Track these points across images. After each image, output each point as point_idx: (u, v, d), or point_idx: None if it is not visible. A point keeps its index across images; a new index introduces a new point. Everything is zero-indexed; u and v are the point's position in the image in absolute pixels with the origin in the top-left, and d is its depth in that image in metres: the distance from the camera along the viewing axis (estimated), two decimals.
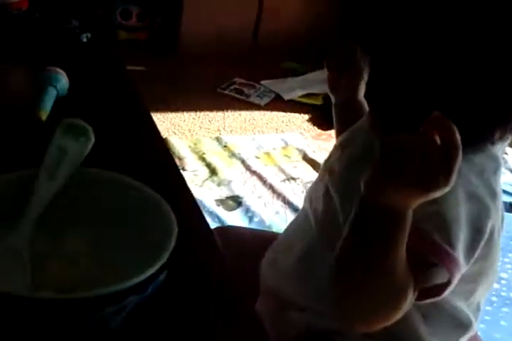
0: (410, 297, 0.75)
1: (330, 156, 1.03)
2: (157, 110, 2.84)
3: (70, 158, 0.72)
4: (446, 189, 0.67)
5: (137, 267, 0.61)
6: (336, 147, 1.02)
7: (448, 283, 0.77)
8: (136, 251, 0.68)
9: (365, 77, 1.08)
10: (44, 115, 1.07)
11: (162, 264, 0.61)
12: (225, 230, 1.39)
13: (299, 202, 2.24)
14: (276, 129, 2.92)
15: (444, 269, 0.76)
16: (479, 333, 1.12)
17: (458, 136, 0.66)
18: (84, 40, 1.40)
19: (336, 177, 0.95)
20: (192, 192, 0.98)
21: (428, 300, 0.79)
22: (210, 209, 2.25)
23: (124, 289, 0.58)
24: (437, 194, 0.68)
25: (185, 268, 0.75)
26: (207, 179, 2.45)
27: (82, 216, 0.72)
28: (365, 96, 0.98)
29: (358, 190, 0.78)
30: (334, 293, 0.77)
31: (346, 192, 0.89)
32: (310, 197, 1.03)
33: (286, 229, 1.14)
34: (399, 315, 0.75)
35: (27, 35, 1.36)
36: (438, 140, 0.67)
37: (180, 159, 2.53)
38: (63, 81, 1.15)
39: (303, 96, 3.14)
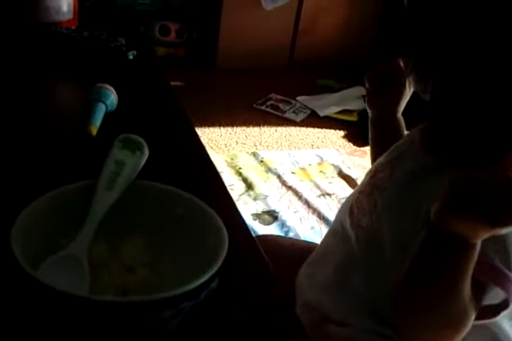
0: (472, 318, 0.77)
1: (375, 172, 1.03)
2: (194, 125, 2.87)
3: (127, 170, 0.76)
4: None
5: (191, 274, 0.64)
6: (383, 164, 1.02)
7: (506, 305, 0.79)
8: (190, 260, 0.71)
9: (407, 94, 1.10)
10: (94, 130, 1.11)
11: (214, 272, 0.65)
12: (265, 238, 1.41)
13: None
14: (312, 145, 2.95)
15: (500, 290, 0.78)
16: None
17: None
18: (131, 57, 1.45)
19: (387, 194, 0.95)
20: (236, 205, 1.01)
21: (482, 321, 0.81)
22: (247, 224, 2.28)
23: (180, 294, 0.61)
24: (508, 230, 0.70)
25: (235, 276, 0.78)
26: (243, 193, 2.49)
27: (138, 225, 0.76)
28: (427, 113, 0.97)
29: (412, 208, 0.80)
30: (396, 314, 0.79)
31: (399, 209, 0.91)
32: (351, 210, 1.04)
33: (321, 243, 1.15)
34: (460, 337, 0.77)
35: (77, 53, 1.41)
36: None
37: None
38: (112, 97, 1.19)
39: (338, 112, 3.17)
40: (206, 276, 0.63)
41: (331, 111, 3.18)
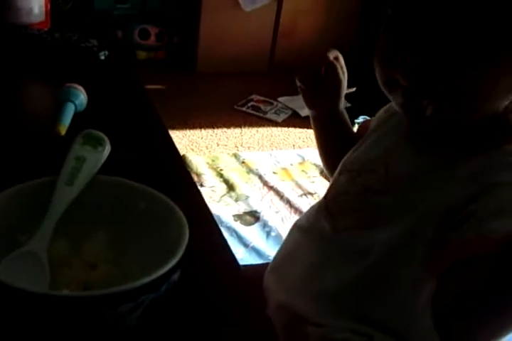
0: None
1: (360, 172, 0.97)
2: (175, 127, 2.90)
3: (88, 165, 0.76)
4: None
5: (154, 268, 0.64)
6: (370, 163, 0.96)
7: None
8: (153, 254, 0.71)
9: (345, 86, 1.06)
10: (63, 129, 1.10)
11: (174, 264, 0.64)
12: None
13: None
14: (294, 145, 2.95)
15: None
16: None
17: None
18: (102, 57, 1.44)
19: (389, 197, 0.90)
20: (207, 204, 1.00)
21: None
22: (228, 225, 2.28)
23: (138, 287, 0.61)
24: None
25: (199, 269, 0.78)
26: (225, 195, 2.48)
27: (100, 220, 0.75)
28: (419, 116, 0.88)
29: (420, 209, 0.81)
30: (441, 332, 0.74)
31: (405, 211, 0.87)
32: (329, 212, 0.99)
33: (286, 242, 1.10)
34: None
35: (47, 54, 1.41)
36: None
37: (198, 175, 2.57)
38: (81, 97, 1.19)
39: None
40: (165, 268, 0.63)
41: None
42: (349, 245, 0.94)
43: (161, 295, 0.65)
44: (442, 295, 0.73)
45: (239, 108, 3.22)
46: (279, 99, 3.32)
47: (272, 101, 3.31)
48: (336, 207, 0.99)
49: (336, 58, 1.04)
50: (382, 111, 1.07)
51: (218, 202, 2.43)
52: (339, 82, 1.05)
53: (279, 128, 3.08)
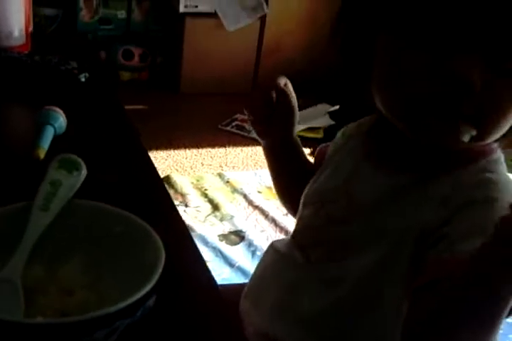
0: None
1: (323, 202, 0.94)
2: (159, 148, 2.90)
3: (63, 190, 0.75)
4: None
5: (129, 292, 0.63)
6: (331, 193, 0.93)
7: None
8: (130, 279, 0.70)
9: (297, 113, 1.02)
10: (42, 153, 1.10)
11: (150, 289, 0.63)
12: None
13: None
14: None
15: None
16: None
17: None
18: (83, 79, 1.44)
19: (353, 226, 0.88)
20: (192, 224, 0.99)
21: None
22: (214, 245, 2.28)
23: (113, 313, 0.60)
24: None
25: (176, 292, 0.77)
26: (209, 214, 2.48)
27: (77, 245, 0.75)
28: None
29: (391, 232, 0.80)
30: None
31: (375, 237, 0.85)
32: (299, 244, 0.97)
33: (260, 266, 1.07)
34: None
35: (26, 76, 1.40)
36: None
37: (182, 195, 2.56)
38: (61, 119, 1.18)
39: (304, 130, 3.18)
40: (141, 293, 0.62)
41: (297, 129, 3.18)
42: (324, 274, 0.92)
43: (137, 320, 0.64)
44: (416, 313, 0.73)
45: (223, 127, 3.22)
46: None
47: None
48: (305, 241, 0.96)
49: (285, 85, 1.01)
50: (339, 134, 1.04)
51: (203, 222, 2.42)
52: (292, 109, 1.02)
53: None
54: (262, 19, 3.61)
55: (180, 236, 0.92)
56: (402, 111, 0.79)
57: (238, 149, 3.04)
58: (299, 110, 1.05)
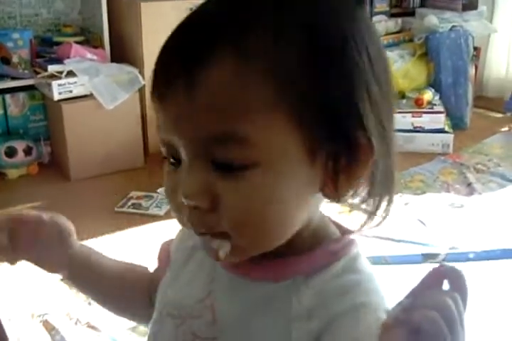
0: None
1: (184, 319, 0.86)
2: None
3: None
4: None
5: None
6: (193, 309, 0.85)
7: None
8: None
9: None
10: None
11: None
12: None
13: None
14: None
15: None
16: None
17: None
18: None
19: (220, 321, 0.81)
20: None
21: None
22: None
23: None
24: None
25: None
26: None
27: None
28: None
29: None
30: None
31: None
32: None
33: None
34: None
35: None
36: None
37: None
38: None
39: None
40: None
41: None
42: None
43: None
44: None
45: (119, 209, 3.17)
46: (159, 190, 3.30)
47: (151, 194, 3.28)
48: None
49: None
50: (179, 234, 0.95)
51: None
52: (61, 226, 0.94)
53: (162, 222, 3.04)
54: (141, 90, 3.60)
55: None
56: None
57: (137, 229, 3.00)
58: None
